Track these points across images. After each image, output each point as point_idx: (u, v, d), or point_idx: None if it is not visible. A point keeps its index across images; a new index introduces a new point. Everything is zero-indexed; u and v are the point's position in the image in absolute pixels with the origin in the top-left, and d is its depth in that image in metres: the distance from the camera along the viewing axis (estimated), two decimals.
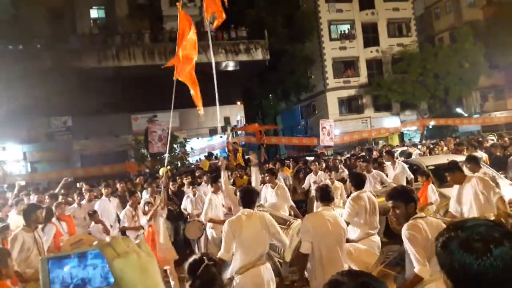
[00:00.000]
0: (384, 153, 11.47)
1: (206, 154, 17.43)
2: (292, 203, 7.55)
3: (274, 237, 4.26)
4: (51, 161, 21.85)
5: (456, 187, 5.29)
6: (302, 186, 9.76)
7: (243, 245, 4.07)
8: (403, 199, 3.45)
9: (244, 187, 4.83)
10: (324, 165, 10.36)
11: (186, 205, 8.40)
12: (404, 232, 3.30)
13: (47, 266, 0.78)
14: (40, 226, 5.32)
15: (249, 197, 4.40)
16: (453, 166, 5.34)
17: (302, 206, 10.67)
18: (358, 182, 5.38)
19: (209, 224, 7.39)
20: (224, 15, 7.71)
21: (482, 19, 33.84)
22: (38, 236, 5.07)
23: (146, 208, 6.89)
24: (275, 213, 5.94)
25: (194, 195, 8.39)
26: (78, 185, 10.64)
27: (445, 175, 5.41)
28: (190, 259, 2.59)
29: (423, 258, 3.16)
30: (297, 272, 4.64)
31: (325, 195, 4.36)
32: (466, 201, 5.05)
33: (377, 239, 5.14)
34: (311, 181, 9.39)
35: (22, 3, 23.49)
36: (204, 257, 2.56)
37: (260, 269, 4.07)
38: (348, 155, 15.38)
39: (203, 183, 9.65)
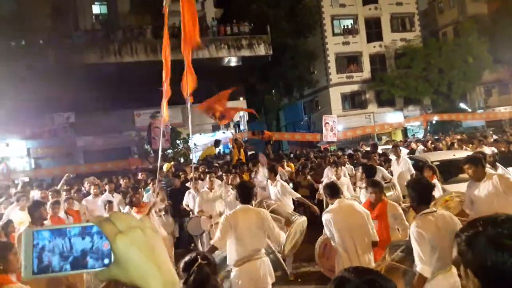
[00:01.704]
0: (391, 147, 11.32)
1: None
2: (297, 195, 7.65)
3: (267, 233, 4.31)
4: (54, 157, 21.91)
5: (472, 183, 4.94)
6: (321, 180, 9.60)
7: (239, 238, 4.14)
8: (412, 190, 3.56)
9: (241, 183, 4.93)
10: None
11: (188, 201, 8.39)
12: (412, 229, 3.29)
13: (32, 242, 0.69)
14: (46, 222, 5.35)
15: (246, 193, 4.47)
16: (477, 160, 4.92)
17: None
18: (371, 173, 5.67)
19: (213, 220, 7.40)
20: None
21: (487, 13, 33.60)
22: None
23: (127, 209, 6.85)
24: (279, 208, 5.93)
25: (196, 191, 8.37)
26: (86, 181, 10.60)
27: (464, 168, 4.99)
28: (186, 257, 2.59)
29: (427, 257, 3.15)
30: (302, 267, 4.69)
31: (335, 191, 4.58)
32: (485, 199, 4.69)
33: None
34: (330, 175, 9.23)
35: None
36: (198, 256, 2.56)
37: (256, 263, 4.17)
38: (351, 151, 15.33)
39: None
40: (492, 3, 33.84)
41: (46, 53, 20.85)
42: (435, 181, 7.27)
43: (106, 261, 0.69)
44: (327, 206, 4.95)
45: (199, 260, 2.51)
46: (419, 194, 3.49)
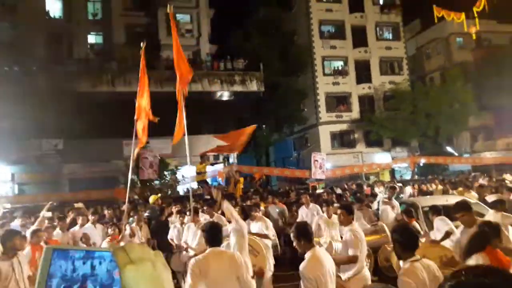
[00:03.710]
0: (387, 191, 11.26)
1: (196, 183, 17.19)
2: (273, 232, 7.39)
3: (238, 282, 3.87)
4: (39, 184, 21.50)
5: (464, 230, 4.93)
6: (297, 220, 9.62)
7: (211, 285, 3.74)
8: (397, 237, 3.53)
9: (208, 224, 4.40)
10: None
11: (173, 235, 8.23)
12: (400, 277, 3.24)
13: (50, 257, 0.71)
14: (20, 253, 5.12)
15: (214, 234, 4.08)
16: (464, 206, 4.99)
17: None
18: (351, 211, 5.40)
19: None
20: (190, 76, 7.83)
21: (472, 60, 34.82)
22: (18, 263, 4.82)
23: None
24: (255, 238, 5.82)
25: (181, 224, 8.23)
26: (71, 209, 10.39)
27: (455, 215, 5.08)
28: None
29: None
30: None
31: (306, 233, 3.91)
32: None
33: (368, 272, 5.07)
34: (303, 215, 9.27)
35: (22, 26, 23.76)
36: None
37: None
38: (340, 191, 15.30)
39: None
40: (477, 52, 35.19)
41: (38, 79, 20.89)
42: (414, 224, 7.28)
43: (116, 286, 0.73)
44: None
45: None
46: (406, 241, 3.47)
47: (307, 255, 3.77)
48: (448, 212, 6.19)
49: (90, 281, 0.71)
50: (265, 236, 6.92)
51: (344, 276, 4.98)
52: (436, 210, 6.54)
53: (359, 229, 5.17)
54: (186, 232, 7.63)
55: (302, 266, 3.69)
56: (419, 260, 3.35)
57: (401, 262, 3.54)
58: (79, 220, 8.43)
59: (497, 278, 1.15)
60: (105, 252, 0.73)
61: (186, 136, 7.42)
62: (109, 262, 0.73)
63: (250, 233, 6.54)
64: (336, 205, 10.21)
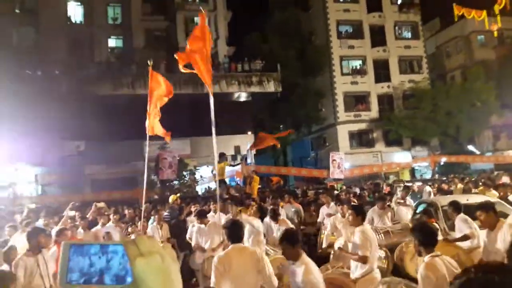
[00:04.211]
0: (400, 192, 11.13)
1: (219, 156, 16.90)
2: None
3: (260, 275, 4.02)
4: (61, 185, 22.01)
5: (488, 232, 4.76)
6: (318, 220, 9.59)
7: (232, 281, 3.89)
8: (417, 234, 3.58)
9: (230, 221, 4.59)
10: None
11: (192, 234, 8.32)
12: (421, 270, 3.31)
13: (68, 252, 0.76)
14: (45, 250, 5.30)
15: (236, 232, 4.23)
16: (485, 206, 4.75)
17: (310, 239, 10.58)
18: (363, 214, 5.32)
19: (205, 255, 7.28)
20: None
21: (494, 58, 34.09)
22: (43, 260, 5.01)
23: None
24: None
25: (201, 223, 8.31)
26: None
27: (477, 215, 4.82)
28: None
29: None
30: None
31: (293, 239, 3.93)
32: (498, 249, 4.48)
33: (379, 274, 5.00)
34: (324, 214, 9.26)
35: (44, 31, 24.39)
36: None
37: None
38: (357, 190, 15.21)
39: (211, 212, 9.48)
40: (500, 49, 34.42)
41: (60, 82, 21.41)
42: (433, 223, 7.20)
43: (128, 279, 0.75)
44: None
45: None
46: (425, 238, 3.52)
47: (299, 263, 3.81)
48: (469, 211, 6.03)
49: (107, 273, 0.75)
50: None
51: (352, 275, 4.99)
52: (456, 207, 6.27)
53: (369, 230, 5.12)
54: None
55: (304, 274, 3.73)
56: (439, 256, 3.40)
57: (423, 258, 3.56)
58: (101, 219, 8.59)
59: (506, 275, 1.16)
60: (118, 245, 0.76)
61: (214, 137, 7.42)
62: (121, 255, 0.75)
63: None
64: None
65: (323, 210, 9.46)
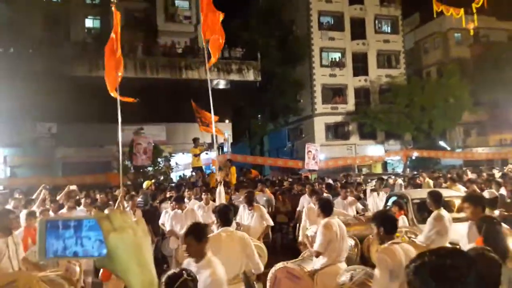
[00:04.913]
0: (375, 182, 11.48)
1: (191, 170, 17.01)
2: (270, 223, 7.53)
3: (249, 260, 4.22)
4: (32, 167, 21.44)
5: (472, 224, 4.47)
6: (298, 209, 9.59)
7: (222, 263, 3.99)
8: (378, 222, 3.64)
9: (221, 206, 4.80)
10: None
11: (165, 220, 8.32)
12: (378, 254, 3.42)
13: (44, 228, 0.80)
14: (16, 232, 5.22)
15: (226, 214, 4.42)
16: (478, 200, 4.65)
17: (285, 228, 10.75)
18: (327, 207, 5.18)
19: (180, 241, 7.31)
20: (221, 42, 8.03)
21: (469, 56, 34.93)
22: (12, 242, 4.93)
23: None
24: (260, 243, 5.92)
25: (173, 209, 8.31)
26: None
27: (463, 206, 4.70)
28: (169, 272, 2.62)
29: (385, 284, 3.22)
30: None
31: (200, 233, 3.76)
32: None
33: (342, 265, 5.00)
34: (304, 203, 9.17)
35: (18, 7, 23.46)
36: (184, 272, 2.59)
37: None
38: (330, 181, 15.44)
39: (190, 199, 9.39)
40: (475, 48, 35.29)
41: (34, 61, 20.73)
42: (402, 217, 7.38)
43: (103, 251, 0.80)
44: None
45: (185, 276, 2.53)
46: (385, 226, 3.60)
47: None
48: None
49: (82, 247, 0.80)
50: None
51: (314, 266, 5.02)
52: (436, 199, 5.65)
53: (331, 224, 4.98)
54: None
55: None
56: (399, 244, 3.50)
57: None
58: (67, 203, 8.47)
59: (458, 259, 1.24)
60: (92, 220, 0.81)
61: (213, 125, 7.62)
62: (96, 229, 0.80)
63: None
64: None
65: (303, 200, 9.54)
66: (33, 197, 8.86)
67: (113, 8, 7.98)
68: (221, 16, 7.89)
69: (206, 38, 8.04)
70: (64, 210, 8.28)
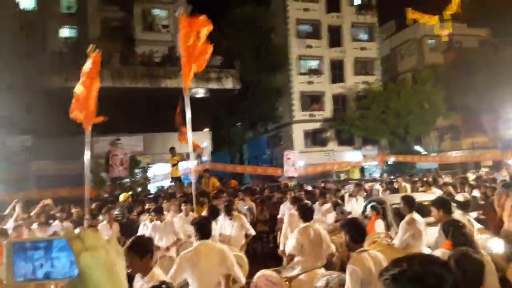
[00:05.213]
0: (353, 186, 11.66)
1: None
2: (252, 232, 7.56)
3: (229, 272, 4.12)
4: (5, 181, 20.91)
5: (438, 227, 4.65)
6: (278, 216, 9.57)
7: (199, 276, 3.92)
8: (345, 230, 3.70)
9: (199, 219, 4.58)
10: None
11: (143, 233, 8.24)
12: (348, 265, 3.45)
13: (12, 250, 0.78)
14: None
15: (204, 227, 4.26)
16: (441, 203, 4.73)
17: (265, 237, 10.76)
18: (306, 213, 5.28)
19: (159, 254, 7.26)
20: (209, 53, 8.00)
21: (443, 62, 35.85)
22: None
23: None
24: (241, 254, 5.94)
25: (151, 221, 8.26)
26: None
27: (432, 210, 4.76)
28: (150, 284, 2.65)
29: None
30: None
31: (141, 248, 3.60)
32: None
33: (320, 271, 4.96)
34: (286, 211, 9.00)
35: None
36: (163, 285, 2.61)
37: None
38: (309, 188, 15.56)
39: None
40: (448, 54, 36.26)
41: (7, 73, 20.31)
42: (379, 221, 7.54)
43: (75, 272, 0.79)
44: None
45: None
46: (354, 234, 3.67)
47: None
48: (417, 209, 5.93)
49: (53, 268, 0.78)
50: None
51: (291, 273, 5.09)
52: (408, 203, 5.80)
53: (308, 230, 5.09)
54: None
55: None
56: (367, 251, 3.59)
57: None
58: (39, 218, 8.29)
59: (435, 266, 1.26)
60: (62, 240, 0.78)
61: (190, 135, 7.63)
62: (67, 250, 0.77)
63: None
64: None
65: (284, 207, 9.55)
66: (5, 213, 8.67)
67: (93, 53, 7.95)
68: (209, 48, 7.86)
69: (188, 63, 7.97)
70: (35, 226, 8.10)
